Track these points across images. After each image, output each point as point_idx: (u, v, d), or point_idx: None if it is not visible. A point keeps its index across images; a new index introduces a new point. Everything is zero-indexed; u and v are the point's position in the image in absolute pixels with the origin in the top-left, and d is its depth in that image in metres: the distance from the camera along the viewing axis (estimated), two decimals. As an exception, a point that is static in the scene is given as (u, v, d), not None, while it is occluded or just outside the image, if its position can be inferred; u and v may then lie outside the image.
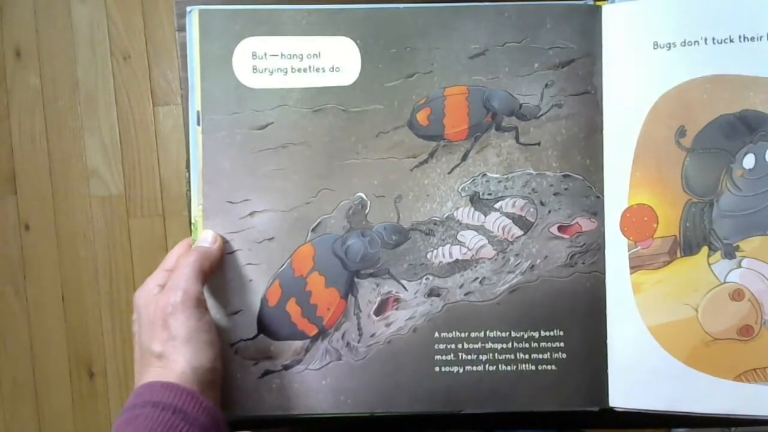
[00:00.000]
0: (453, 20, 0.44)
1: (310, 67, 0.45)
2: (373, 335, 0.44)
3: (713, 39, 0.41)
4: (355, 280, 0.44)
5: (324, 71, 0.45)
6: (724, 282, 0.41)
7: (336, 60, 0.44)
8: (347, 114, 0.44)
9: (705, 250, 0.42)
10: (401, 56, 0.44)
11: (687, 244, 0.42)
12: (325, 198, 0.44)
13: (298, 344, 0.44)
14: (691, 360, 0.41)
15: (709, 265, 0.41)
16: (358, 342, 0.44)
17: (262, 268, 0.44)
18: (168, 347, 0.39)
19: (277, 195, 0.44)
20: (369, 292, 0.44)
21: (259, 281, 0.44)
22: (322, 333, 0.44)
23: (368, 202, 0.44)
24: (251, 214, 0.44)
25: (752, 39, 0.41)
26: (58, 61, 1.30)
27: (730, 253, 0.41)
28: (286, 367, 0.44)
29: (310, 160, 0.44)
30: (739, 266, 0.41)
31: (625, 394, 0.43)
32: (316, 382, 0.44)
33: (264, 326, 0.44)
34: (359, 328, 0.44)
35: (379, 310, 0.44)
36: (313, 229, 0.45)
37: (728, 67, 0.41)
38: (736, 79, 0.41)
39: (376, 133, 0.44)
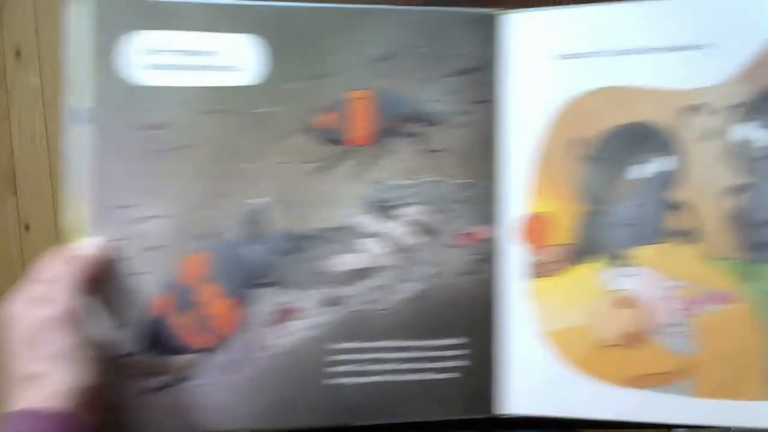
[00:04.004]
0: (359, 23, 0.43)
1: (208, 65, 0.42)
2: (269, 347, 0.43)
3: (610, 51, 0.42)
4: (252, 289, 0.43)
5: (224, 70, 0.42)
6: (616, 289, 0.42)
7: (236, 59, 0.42)
8: (247, 116, 0.42)
9: (599, 257, 0.43)
10: (305, 58, 0.43)
11: (581, 252, 0.43)
12: (222, 203, 0.42)
13: (188, 358, 0.42)
14: (583, 366, 0.42)
15: (602, 272, 0.43)
16: (254, 354, 0.42)
17: (152, 278, 0.41)
18: (43, 366, 0.35)
19: (171, 199, 0.42)
20: (266, 302, 0.43)
21: (148, 292, 0.41)
22: (215, 346, 0.42)
23: (267, 208, 0.43)
24: (142, 219, 0.41)
25: (646, 51, 0.42)
26: (58, 61, 1.25)
27: (621, 261, 0.42)
28: (176, 383, 0.42)
29: (206, 164, 0.42)
30: (631, 274, 0.42)
31: (521, 400, 0.43)
32: (207, 397, 0.42)
33: (152, 340, 0.41)
34: (255, 340, 0.42)
35: (276, 321, 0.43)
36: (207, 236, 0.42)
37: (624, 78, 0.42)
38: (629, 90, 0.42)
39: (277, 137, 0.43)
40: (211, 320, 0.42)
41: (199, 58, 0.42)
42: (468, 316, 0.44)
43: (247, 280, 0.42)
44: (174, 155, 0.42)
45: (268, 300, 0.43)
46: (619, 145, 0.42)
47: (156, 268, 0.41)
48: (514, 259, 0.43)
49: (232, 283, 0.42)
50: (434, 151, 0.44)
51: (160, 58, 0.42)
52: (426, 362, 0.43)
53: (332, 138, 0.43)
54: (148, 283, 0.41)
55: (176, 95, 0.42)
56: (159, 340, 0.42)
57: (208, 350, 0.42)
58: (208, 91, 0.42)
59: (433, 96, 0.44)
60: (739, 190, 0.41)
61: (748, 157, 0.41)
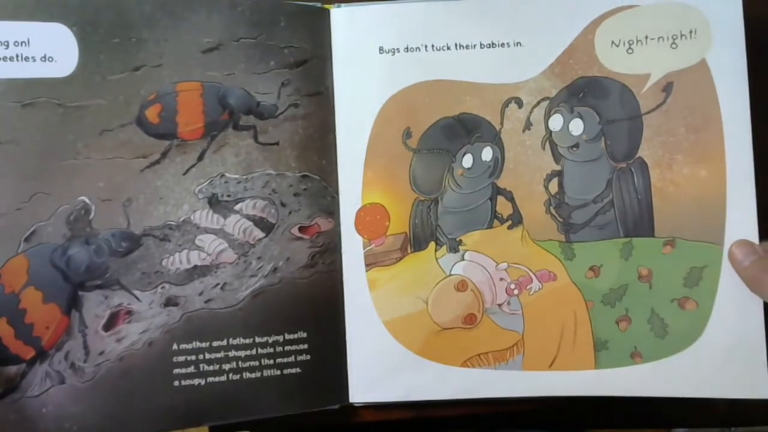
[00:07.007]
0: (183, 10, 0.42)
1: (17, 56, 0.39)
2: (102, 353, 0.40)
3: (433, 46, 0.44)
4: (80, 293, 0.40)
5: (35, 61, 0.40)
6: (450, 274, 0.44)
7: (48, 49, 0.40)
8: (64, 109, 0.40)
9: (432, 245, 0.44)
10: (126, 47, 0.41)
11: (416, 240, 0.44)
12: (40, 203, 0.40)
13: (12, 370, 0.39)
14: (422, 350, 0.44)
15: (437, 259, 0.44)
16: (85, 362, 0.40)
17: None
18: None
19: (-14, 200, 0.39)
20: (96, 306, 0.41)
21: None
22: (41, 355, 0.40)
23: (92, 207, 0.40)
24: (-50, 223, 0.38)
25: (467, 47, 0.44)
26: None
27: (454, 247, 0.44)
28: (4, 395, 0.39)
29: (20, 161, 0.39)
30: (462, 259, 0.44)
31: (364, 388, 0.44)
32: (35, 411, 0.39)
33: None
34: (85, 347, 0.40)
35: (109, 325, 0.41)
36: (26, 239, 0.39)
37: (447, 72, 0.44)
38: (454, 83, 0.44)
39: (100, 131, 0.41)
40: (34, 328, 0.39)
41: (6, 49, 0.39)
42: (309, 310, 0.44)
43: (71, 283, 0.40)
44: (-12, 153, 0.39)
45: (98, 303, 0.40)
46: (447, 136, 0.44)
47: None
48: (352, 251, 0.44)
49: (51, 287, 0.40)
50: (268, 144, 0.43)
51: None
52: (269, 359, 0.43)
53: (162, 132, 0.42)
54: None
55: (-12, 88, 0.39)
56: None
57: (32, 360, 0.39)
58: (19, 83, 0.39)
59: (264, 88, 0.43)
60: (555, 176, 0.43)
61: (561, 145, 0.43)
